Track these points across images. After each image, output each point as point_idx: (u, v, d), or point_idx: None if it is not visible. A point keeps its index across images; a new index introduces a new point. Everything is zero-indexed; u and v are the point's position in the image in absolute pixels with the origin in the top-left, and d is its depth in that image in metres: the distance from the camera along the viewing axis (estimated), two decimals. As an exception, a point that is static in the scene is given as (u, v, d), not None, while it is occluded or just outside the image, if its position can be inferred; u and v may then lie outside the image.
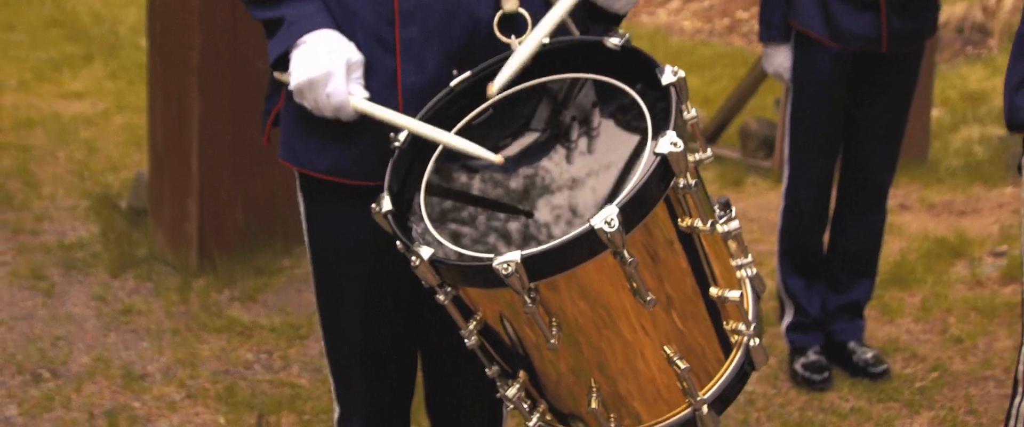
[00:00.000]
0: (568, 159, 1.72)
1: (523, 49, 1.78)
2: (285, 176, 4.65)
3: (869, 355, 3.73)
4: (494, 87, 1.76)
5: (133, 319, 4.21)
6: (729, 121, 7.15)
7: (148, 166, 5.00)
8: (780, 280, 3.81)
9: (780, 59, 3.61)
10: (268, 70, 4.62)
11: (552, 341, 1.54)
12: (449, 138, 1.74)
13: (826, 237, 3.82)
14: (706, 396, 1.68)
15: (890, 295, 4.37)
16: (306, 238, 2.08)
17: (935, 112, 7.27)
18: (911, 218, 5.61)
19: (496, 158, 1.68)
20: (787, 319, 3.81)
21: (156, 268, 4.70)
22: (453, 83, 1.83)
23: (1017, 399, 2.12)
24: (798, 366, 3.71)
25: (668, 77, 1.60)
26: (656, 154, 1.49)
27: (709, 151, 1.69)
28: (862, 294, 3.78)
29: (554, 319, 1.54)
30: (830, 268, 3.79)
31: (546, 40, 1.80)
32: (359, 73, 1.81)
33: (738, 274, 1.76)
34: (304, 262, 4.77)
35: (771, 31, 3.60)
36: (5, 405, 3.54)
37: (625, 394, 1.66)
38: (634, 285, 1.51)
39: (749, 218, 5.60)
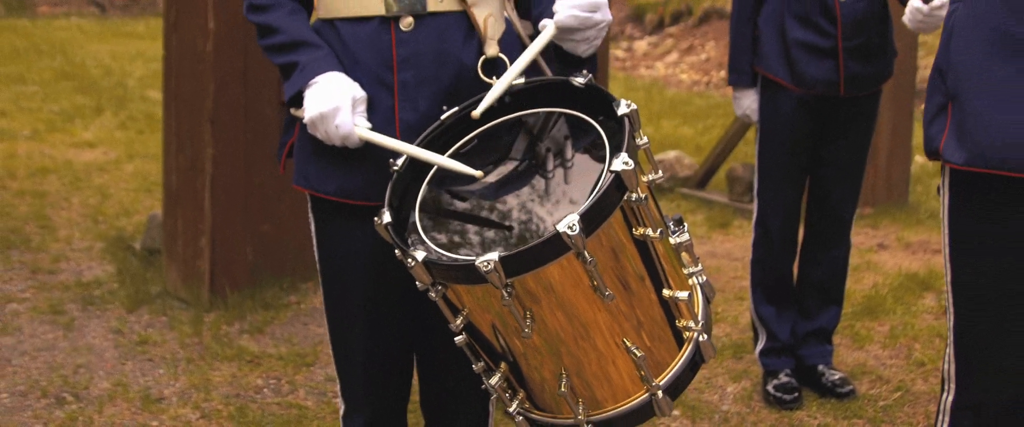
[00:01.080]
0: (543, 183, 2.02)
1: (503, 79, 2.08)
2: (292, 217, 4.98)
3: (837, 377, 3.99)
4: (477, 112, 2.06)
5: (149, 349, 4.47)
6: (717, 167, 7.47)
7: (162, 207, 5.28)
8: (753, 308, 4.08)
9: (748, 102, 3.92)
10: (277, 117, 4.96)
11: (526, 330, 1.82)
12: (440, 159, 2.04)
13: (796, 269, 4.10)
14: (661, 383, 1.96)
15: (861, 324, 4.65)
16: (316, 254, 2.37)
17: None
18: (888, 256, 5.89)
19: (477, 173, 1.99)
20: (760, 344, 4.07)
21: (170, 303, 4.97)
22: (443, 117, 2.13)
23: (945, 395, 2.38)
24: (770, 387, 3.97)
25: (623, 109, 1.90)
26: (611, 171, 1.78)
27: (660, 172, 1.98)
28: (829, 321, 4.05)
29: (527, 312, 1.82)
30: (800, 297, 4.06)
31: (521, 73, 2.10)
32: (363, 108, 2.12)
33: (690, 280, 2.04)
34: (309, 298, 5.06)
35: (739, 76, 3.90)
36: (32, 425, 3.80)
37: (591, 380, 1.94)
38: (594, 282, 1.80)
39: (734, 258, 5.88)
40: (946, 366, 2.36)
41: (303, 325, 4.77)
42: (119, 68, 14.56)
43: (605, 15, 2.13)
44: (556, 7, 2.11)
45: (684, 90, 14.19)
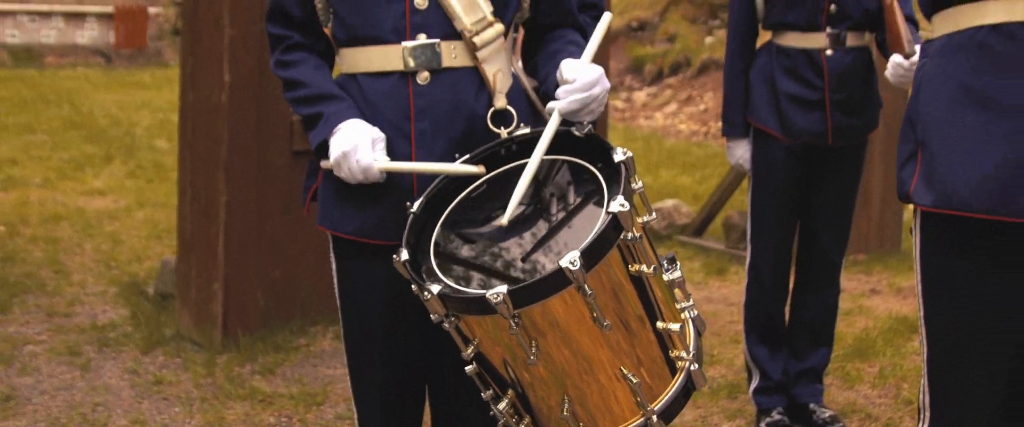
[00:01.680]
0: (548, 225, 2.20)
1: (525, 174, 2.20)
2: (301, 263, 5.17)
3: (827, 414, 4.15)
4: (504, 220, 2.18)
5: (164, 389, 4.63)
6: (714, 215, 7.66)
7: (177, 252, 5.46)
8: (747, 349, 4.24)
9: (740, 152, 4.11)
10: (287, 166, 5.13)
11: (532, 358, 1.99)
12: (450, 167, 2.28)
13: (787, 311, 4.27)
14: (656, 408, 2.12)
15: (851, 365, 4.81)
16: (337, 290, 2.55)
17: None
18: (879, 301, 6.07)
19: (477, 169, 2.27)
20: (754, 383, 4.23)
21: (183, 346, 5.14)
22: (454, 169, 2.32)
23: (920, 425, 2.55)
24: (763, 425, 4.13)
25: (619, 156, 2.08)
26: (608, 213, 1.96)
27: (653, 214, 2.17)
28: (820, 361, 4.21)
29: (533, 341, 2.00)
30: (791, 338, 4.22)
31: (536, 167, 2.27)
32: (382, 146, 2.30)
33: (682, 314, 2.22)
34: (318, 341, 5.23)
35: (732, 128, 4.10)
36: (54, 460, 3.97)
37: (591, 405, 2.10)
38: (594, 313, 1.97)
39: (730, 303, 6.05)
40: (922, 397, 2.52)
41: (313, 367, 4.93)
42: (126, 118, 14.77)
43: (603, 86, 2.30)
44: (558, 93, 2.28)
45: (683, 140, 14.42)
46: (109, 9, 26.20)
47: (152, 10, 26.82)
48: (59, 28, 25.98)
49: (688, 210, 7.93)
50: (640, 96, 19.36)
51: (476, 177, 2.32)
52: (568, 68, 2.29)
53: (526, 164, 2.25)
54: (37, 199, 8.76)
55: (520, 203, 2.25)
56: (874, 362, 4.88)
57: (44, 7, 26.08)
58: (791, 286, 4.23)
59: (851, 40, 3.90)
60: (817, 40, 3.89)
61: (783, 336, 4.22)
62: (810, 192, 4.06)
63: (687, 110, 17.33)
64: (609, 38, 19.39)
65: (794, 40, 3.93)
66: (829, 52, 3.88)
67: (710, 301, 6.12)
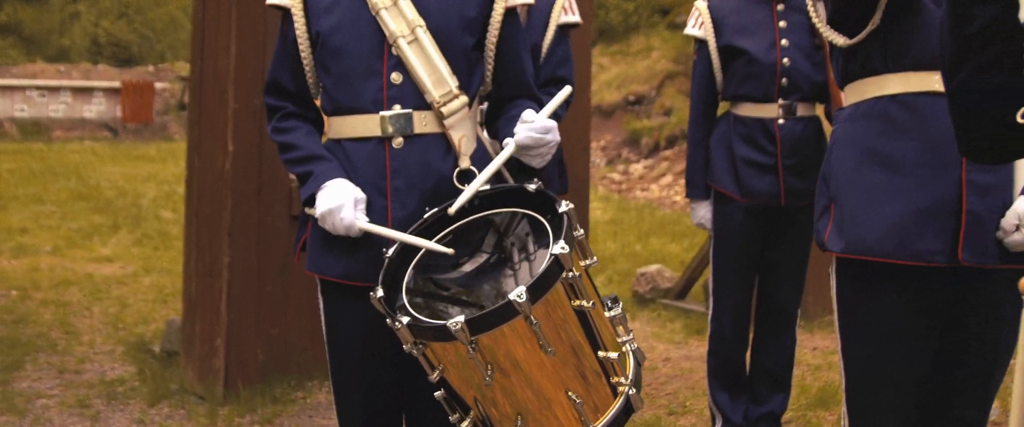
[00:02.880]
0: (507, 268, 2.54)
1: (474, 183, 2.62)
2: (298, 322, 5.49)
3: (785, 456, 4.47)
4: (453, 209, 2.61)
5: (170, 438, 4.95)
6: (695, 279, 7.99)
7: (182, 311, 5.79)
8: (710, 394, 4.56)
9: (702, 212, 4.46)
10: (286, 229, 5.46)
11: (487, 379, 2.32)
12: (422, 242, 2.60)
13: (748, 358, 4.59)
14: (599, 425, 2.45)
15: (813, 413, 5.11)
16: (324, 327, 2.89)
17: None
18: (850, 358, 6.36)
19: (449, 251, 2.55)
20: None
21: (187, 398, 5.45)
22: (426, 215, 2.68)
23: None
24: (726, 466, 4.45)
25: (563, 207, 2.43)
26: (552, 254, 2.31)
27: (594, 258, 2.51)
28: (778, 406, 4.52)
29: (488, 365, 2.33)
30: (752, 383, 4.55)
31: (488, 180, 2.64)
32: (362, 206, 2.67)
33: (623, 347, 2.55)
34: (314, 394, 5.53)
35: (695, 190, 4.45)
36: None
37: (541, 422, 2.43)
38: (540, 341, 2.31)
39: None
40: (842, 422, 2.85)
41: (309, 418, 5.23)
42: (132, 189, 15.16)
43: (555, 136, 2.69)
44: (516, 129, 2.67)
45: (677, 210, 14.76)
46: (116, 84, 26.71)
47: (158, 85, 27.36)
48: (67, 102, 26.46)
49: (671, 274, 8.25)
50: (637, 168, 19.72)
51: (446, 229, 2.67)
52: (528, 114, 2.67)
53: (485, 215, 2.61)
54: (47, 266, 9.11)
55: (483, 251, 2.60)
56: (834, 410, 5.18)
57: (53, 82, 26.60)
58: (751, 336, 4.56)
59: (801, 110, 4.26)
60: (770, 110, 4.26)
61: (744, 382, 4.53)
62: (767, 248, 4.40)
63: (682, 182, 17.66)
64: (606, 112, 19.61)
65: (750, 110, 4.30)
66: (781, 121, 4.24)
67: (689, 359, 6.42)
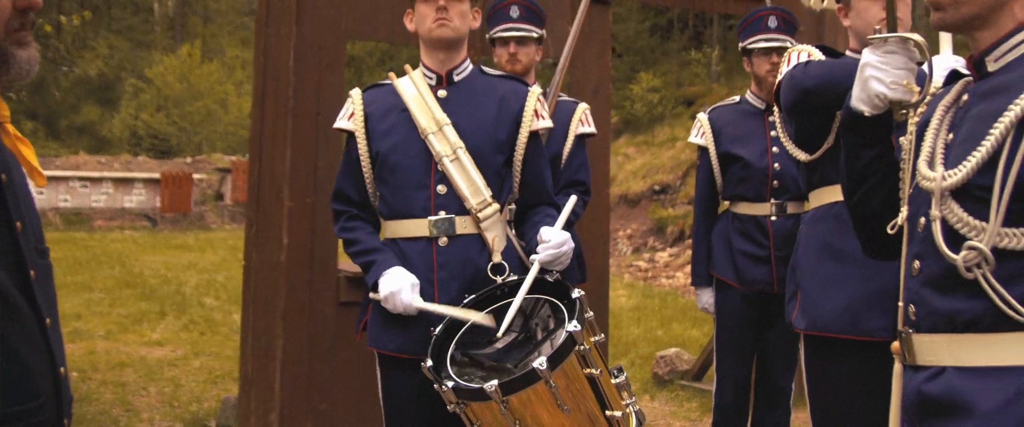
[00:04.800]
0: (532, 343, 3.12)
1: (513, 305, 3.19)
2: (345, 399, 6.06)
3: (782, 518, 4.97)
4: (500, 332, 3.16)
5: (229, 502, 5.50)
6: (711, 361, 8.50)
7: (239, 388, 6.37)
8: (715, 461, 5.09)
9: (706, 298, 5.04)
10: (334, 315, 6.05)
11: (515, 432, 2.90)
12: (472, 316, 3.19)
13: (749, 429, 5.13)
14: (607, 472, 3.01)
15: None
16: (380, 393, 3.47)
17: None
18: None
19: (491, 324, 3.14)
20: (721, 492, 5.07)
21: (243, 468, 6.02)
22: (465, 302, 3.27)
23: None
24: (728, 526, 4.96)
25: (576, 294, 3.03)
26: (567, 331, 2.89)
27: (602, 335, 3.09)
28: (775, 471, 5.05)
29: (517, 420, 2.90)
30: (751, 452, 5.08)
31: (521, 300, 3.23)
32: (417, 290, 3.27)
33: (627, 408, 3.12)
34: (358, 465, 6.08)
35: (698, 278, 5.04)
36: None
37: (559, 468, 2.99)
38: (558, 401, 2.88)
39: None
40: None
41: (353, 485, 5.77)
42: (175, 277, 15.81)
43: (569, 246, 3.31)
44: (538, 249, 3.28)
45: (699, 297, 15.23)
46: (156, 175, 27.49)
47: (196, 176, 28.16)
48: (108, 193, 27.25)
49: (688, 357, 8.78)
50: (662, 256, 20.22)
51: (486, 312, 3.27)
52: (545, 233, 3.27)
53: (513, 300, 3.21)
54: (103, 349, 9.72)
55: (513, 330, 3.20)
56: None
57: (95, 173, 27.44)
58: (751, 409, 5.09)
59: (791, 208, 4.84)
60: (764, 208, 4.85)
61: (745, 451, 5.06)
62: (763, 330, 4.96)
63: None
64: (632, 201, 20.08)
65: (746, 209, 4.89)
66: (773, 218, 4.82)
67: (703, 435, 6.94)
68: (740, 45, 4.94)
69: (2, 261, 1.85)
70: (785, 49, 4.67)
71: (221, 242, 22.10)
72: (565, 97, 4.80)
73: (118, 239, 22.55)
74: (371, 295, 3.38)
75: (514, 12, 4.61)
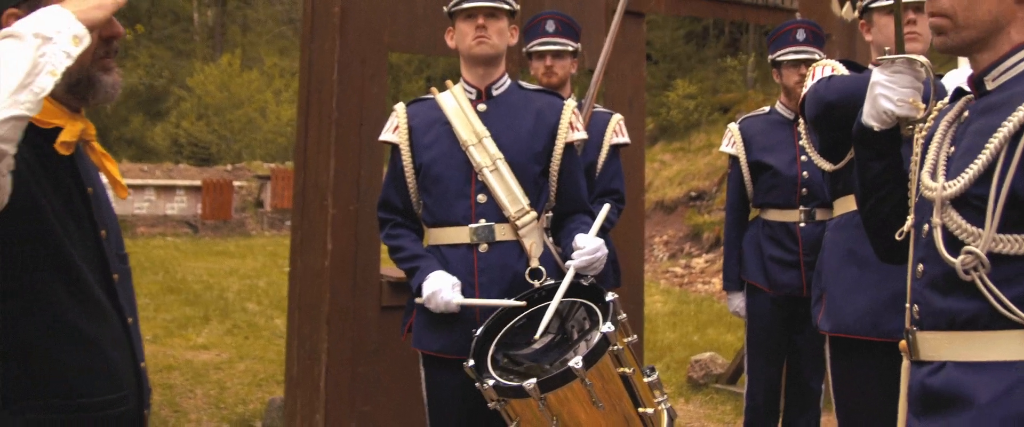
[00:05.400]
0: (568, 344, 3.29)
1: (551, 305, 3.37)
2: (387, 400, 6.24)
3: (812, 515, 5.11)
4: (537, 336, 3.34)
5: (276, 499, 5.70)
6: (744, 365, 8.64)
7: (285, 390, 6.57)
8: (747, 461, 5.24)
9: (737, 302, 5.19)
10: (376, 319, 6.24)
11: (552, 426, 3.07)
12: (507, 303, 3.38)
13: (779, 429, 5.27)
14: (640, 464, 3.18)
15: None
16: (424, 391, 3.66)
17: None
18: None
19: (521, 303, 3.34)
20: (753, 490, 5.22)
21: (289, 468, 6.22)
22: (506, 303, 3.45)
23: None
24: (760, 523, 5.10)
25: (609, 297, 3.19)
26: (601, 332, 3.06)
27: (635, 336, 3.25)
28: (805, 471, 5.20)
29: (554, 416, 3.07)
30: (782, 452, 5.23)
31: (558, 303, 3.40)
32: (458, 288, 3.46)
33: (659, 405, 3.28)
34: (399, 465, 6.26)
35: (730, 283, 5.19)
36: None
37: (594, 462, 3.16)
38: (592, 398, 3.05)
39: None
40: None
41: (395, 484, 5.96)
42: (217, 283, 16.05)
43: (603, 252, 3.49)
44: (573, 255, 3.45)
45: (735, 302, 15.33)
46: (197, 183, 27.81)
47: (236, 183, 28.49)
48: (151, 200, 27.60)
49: (723, 361, 8.91)
50: (699, 262, 20.29)
51: (521, 311, 3.44)
52: (579, 240, 3.45)
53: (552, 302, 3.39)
54: (150, 353, 9.92)
55: (549, 332, 3.37)
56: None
57: (137, 181, 27.82)
58: (781, 409, 5.23)
59: (819, 215, 4.98)
60: (793, 215, 4.99)
61: (776, 451, 5.21)
62: (792, 333, 5.10)
63: (742, 274, 18.10)
64: (668, 207, 20.10)
65: (775, 215, 5.04)
66: (802, 224, 4.97)
67: (736, 437, 7.07)
68: (770, 57, 5.09)
69: (89, 266, 2.07)
70: (813, 61, 4.82)
71: (261, 248, 22.38)
72: (600, 108, 4.97)
73: (161, 246, 22.86)
74: (416, 299, 3.57)
75: (550, 26, 4.78)
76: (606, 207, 3.59)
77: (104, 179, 2.27)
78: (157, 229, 26.68)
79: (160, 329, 11.33)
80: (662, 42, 33.71)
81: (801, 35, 5.00)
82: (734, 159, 5.17)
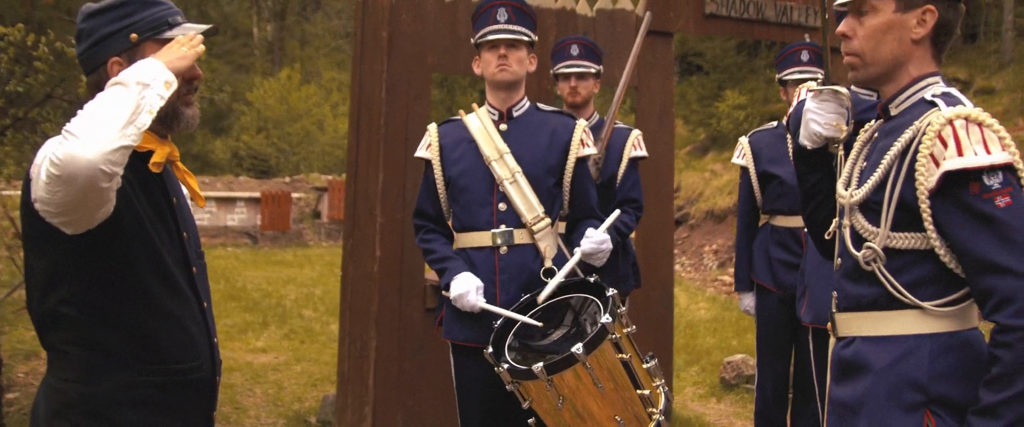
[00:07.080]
0: (580, 336, 3.78)
1: (555, 279, 3.88)
2: (430, 395, 6.76)
3: (819, 499, 5.52)
4: (541, 297, 3.86)
5: (329, 484, 6.20)
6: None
7: (336, 386, 7.08)
8: (757, 449, 5.67)
9: (747, 301, 5.63)
10: (422, 320, 6.77)
11: (559, 405, 3.54)
12: (522, 318, 3.85)
13: (788, 420, 5.68)
14: (636, 441, 3.64)
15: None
16: (454, 375, 4.16)
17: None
18: None
19: (538, 324, 3.79)
20: (762, 477, 5.65)
21: (340, 457, 6.72)
22: (522, 299, 3.95)
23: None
24: (770, 506, 5.53)
25: (610, 292, 3.67)
26: (601, 323, 3.53)
27: (633, 327, 3.73)
28: (812, 457, 5.61)
29: (560, 396, 3.55)
30: (790, 441, 5.65)
31: (563, 278, 3.90)
32: (481, 292, 3.95)
33: (657, 389, 3.75)
34: (442, 455, 6.75)
35: (740, 283, 5.64)
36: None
37: (596, 437, 3.63)
38: (594, 380, 3.52)
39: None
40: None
41: (438, 472, 6.44)
42: (275, 291, 16.56)
43: (608, 245, 4.00)
44: (582, 241, 3.94)
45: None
46: (256, 195, 28.36)
47: (294, 195, 29.04)
48: (212, 212, 28.18)
49: (754, 362, 9.30)
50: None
51: (536, 318, 3.93)
52: (589, 231, 3.95)
53: (566, 297, 3.88)
54: (212, 356, 10.51)
55: (564, 325, 3.86)
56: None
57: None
58: (790, 400, 5.66)
59: (823, 221, 5.42)
60: (798, 221, 5.41)
61: (785, 439, 5.63)
62: (798, 329, 5.52)
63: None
64: (718, 216, 20.25)
65: (782, 221, 5.48)
66: (807, 230, 5.40)
67: (761, 432, 7.48)
68: (777, 76, 5.54)
69: (174, 261, 2.62)
70: (816, 80, 5.26)
71: (318, 258, 22.93)
72: (620, 124, 5.45)
73: (221, 255, 23.38)
74: (443, 293, 4.07)
75: (574, 50, 5.27)
76: (616, 212, 4.10)
77: (186, 192, 2.85)
78: (218, 240, 27.24)
79: (221, 334, 11.84)
80: (713, 53, 33.96)
81: (805, 56, 5.44)
82: (744, 170, 5.62)
